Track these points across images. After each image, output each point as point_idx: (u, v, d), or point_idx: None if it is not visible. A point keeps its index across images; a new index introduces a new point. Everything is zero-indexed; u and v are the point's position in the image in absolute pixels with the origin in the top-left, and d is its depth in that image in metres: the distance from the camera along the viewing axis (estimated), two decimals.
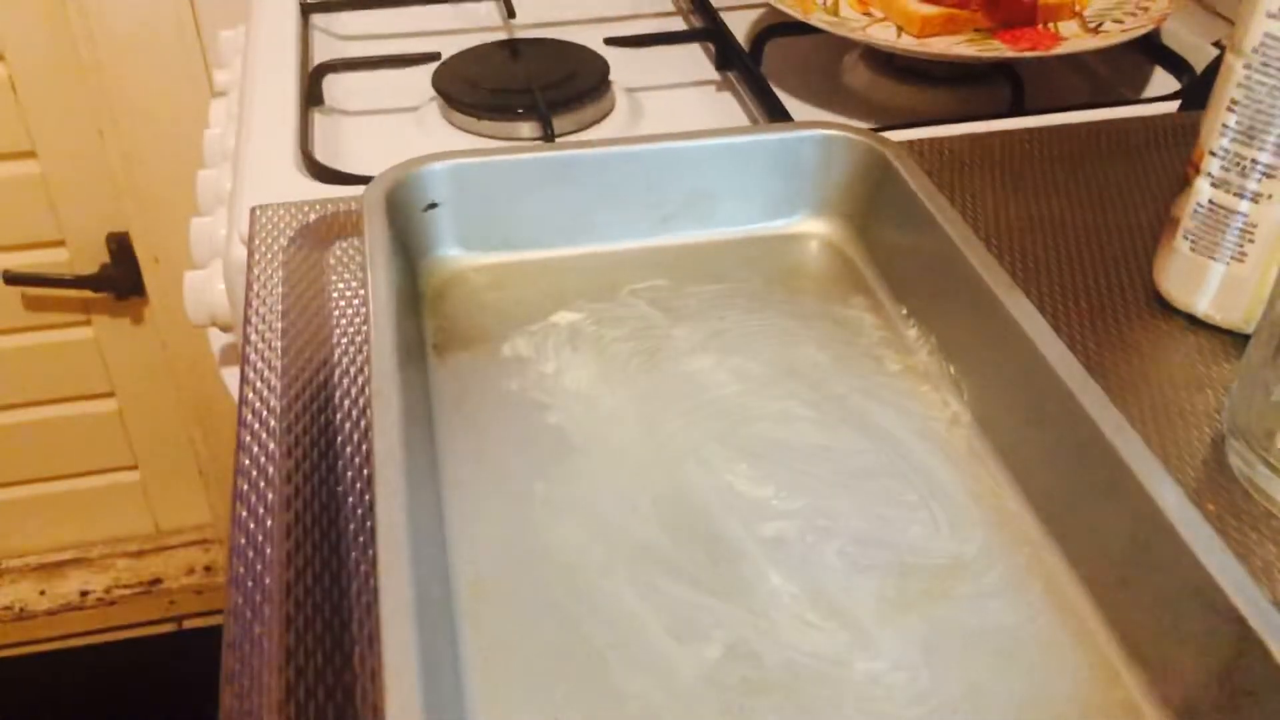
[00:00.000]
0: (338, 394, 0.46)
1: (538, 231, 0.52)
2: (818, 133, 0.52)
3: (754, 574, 0.39)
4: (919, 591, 0.39)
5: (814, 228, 0.54)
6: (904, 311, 0.50)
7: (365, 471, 0.42)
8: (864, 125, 0.56)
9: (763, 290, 0.51)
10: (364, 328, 0.39)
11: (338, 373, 0.46)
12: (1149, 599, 0.36)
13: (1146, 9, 0.71)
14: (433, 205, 0.50)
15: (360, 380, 0.45)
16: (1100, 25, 0.71)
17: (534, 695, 0.35)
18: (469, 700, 0.35)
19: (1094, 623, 0.38)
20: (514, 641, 0.37)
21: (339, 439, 0.44)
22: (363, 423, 0.44)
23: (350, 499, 0.41)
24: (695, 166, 0.52)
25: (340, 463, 0.43)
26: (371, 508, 0.33)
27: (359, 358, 0.40)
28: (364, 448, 0.43)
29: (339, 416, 0.45)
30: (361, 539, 0.40)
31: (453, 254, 0.52)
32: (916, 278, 0.49)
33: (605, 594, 0.38)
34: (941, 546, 0.40)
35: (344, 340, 0.48)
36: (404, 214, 0.49)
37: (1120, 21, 0.71)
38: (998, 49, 0.69)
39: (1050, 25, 0.72)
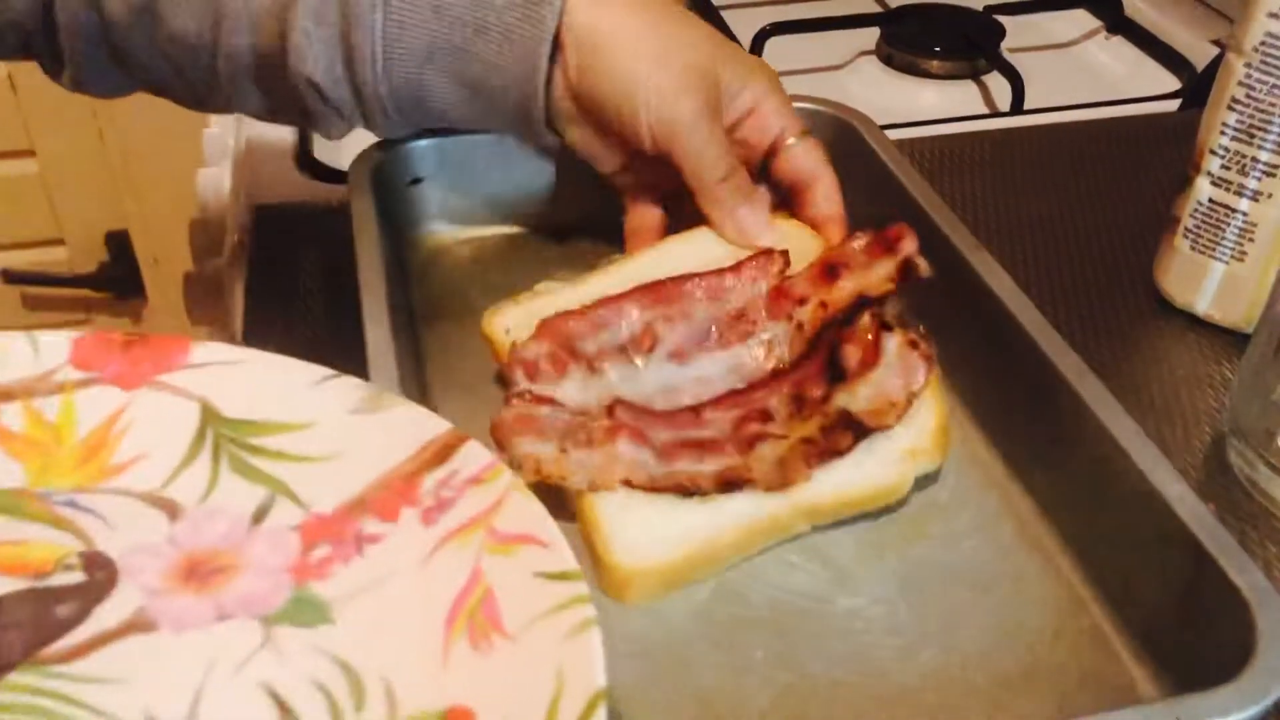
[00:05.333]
0: None
1: (519, 205, 0.53)
2: None
3: None
4: (895, 533, 0.40)
5: None
6: None
7: None
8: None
9: None
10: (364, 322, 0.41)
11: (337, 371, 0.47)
12: (1112, 533, 0.38)
13: None
14: (417, 180, 0.51)
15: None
16: None
17: None
18: None
19: (1061, 558, 0.39)
20: None
21: None
22: None
23: None
24: None
25: None
26: None
27: (360, 356, 0.41)
28: None
29: None
30: None
31: (437, 228, 0.53)
32: None
33: None
34: (915, 493, 0.42)
35: (344, 338, 0.49)
36: (389, 189, 0.50)
37: None
38: None
39: None
